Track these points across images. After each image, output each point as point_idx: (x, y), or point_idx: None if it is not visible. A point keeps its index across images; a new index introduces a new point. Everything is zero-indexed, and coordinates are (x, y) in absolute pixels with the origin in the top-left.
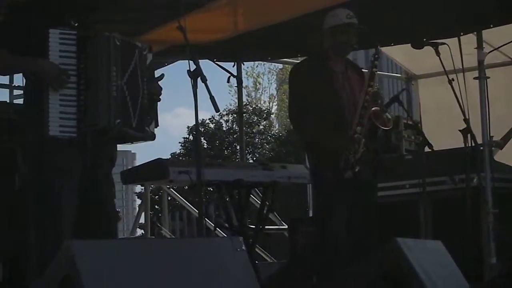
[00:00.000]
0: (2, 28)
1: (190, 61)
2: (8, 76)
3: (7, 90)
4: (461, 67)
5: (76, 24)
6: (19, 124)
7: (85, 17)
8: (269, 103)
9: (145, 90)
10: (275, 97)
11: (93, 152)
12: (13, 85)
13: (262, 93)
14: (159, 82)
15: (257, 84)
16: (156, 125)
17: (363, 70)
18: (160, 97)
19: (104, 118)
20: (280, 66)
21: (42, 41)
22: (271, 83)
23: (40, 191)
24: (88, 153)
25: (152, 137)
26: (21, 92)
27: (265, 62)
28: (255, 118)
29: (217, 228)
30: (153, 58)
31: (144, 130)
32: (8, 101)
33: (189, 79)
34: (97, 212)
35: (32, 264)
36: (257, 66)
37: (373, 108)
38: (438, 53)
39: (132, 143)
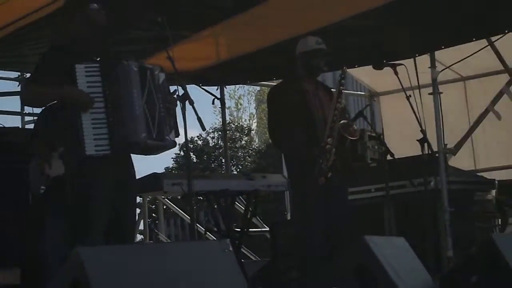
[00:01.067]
0: (41, 66)
1: (179, 87)
2: (19, 104)
3: (19, 117)
4: (417, 84)
5: (98, 59)
6: (31, 147)
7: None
8: (249, 121)
9: (161, 105)
10: (254, 115)
11: (123, 166)
12: (24, 112)
13: (243, 112)
14: None
15: (239, 104)
16: (177, 135)
17: (331, 89)
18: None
19: (132, 134)
20: (258, 88)
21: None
22: (250, 103)
23: (76, 204)
24: (120, 167)
25: (173, 144)
26: (31, 118)
27: (245, 85)
28: (238, 134)
29: (207, 232)
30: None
31: (165, 139)
32: (20, 127)
33: (178, 102)
34: (123, 219)
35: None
36: (238, 88)
37: (341, 121)
38: (396, 73)
39: (157, 153)
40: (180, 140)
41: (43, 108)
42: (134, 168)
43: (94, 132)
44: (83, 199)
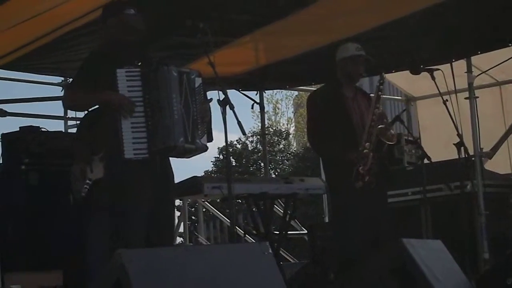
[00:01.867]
0: (82, 71)
1: (219, 91)
2: (62, 109)
3: (62, 121)
4: (453, 89)
5: (139, 63)
6: (73, 150)
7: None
8: (287, 125)
9: (195, 108)
10: (292, 119)
11: (161, 169)
12: (67, 116)
13: (281, 116)
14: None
15: (277, 109)
16: (209, 140)
17: (370, 94)
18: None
19: (171, 138)
20: (296, 93)
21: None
22: (288, 108)
23: (116, 206)
24: (158, 169)
25: (203, 148)
26: (74, 122)
27: (283, 90)
28: (276, 138)
29: (247, 235)
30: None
31: (195, 143)
32: (63, 131)
33: (219, 107)
34: (161, 220)
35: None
36: (276, 93)
37: (379, 126)
38: (433, 78)
39: (189, 157)
40: (220, 143)
41: (85, 112)
42: (172, 170)
43: (133, 136)
44: (122, 201)
